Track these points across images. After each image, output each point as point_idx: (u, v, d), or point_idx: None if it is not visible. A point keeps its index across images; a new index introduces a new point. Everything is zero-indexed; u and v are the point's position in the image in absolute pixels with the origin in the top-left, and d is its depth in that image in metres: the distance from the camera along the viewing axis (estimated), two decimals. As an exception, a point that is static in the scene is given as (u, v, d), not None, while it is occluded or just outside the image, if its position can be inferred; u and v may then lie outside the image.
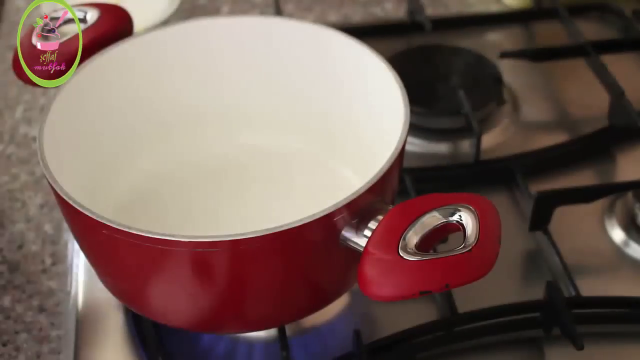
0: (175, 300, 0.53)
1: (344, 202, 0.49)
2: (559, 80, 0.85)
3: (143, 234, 0.48)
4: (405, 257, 0.46)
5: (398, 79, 0.58)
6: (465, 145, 0.77)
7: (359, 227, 0.50)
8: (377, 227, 0.49)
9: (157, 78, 0.65)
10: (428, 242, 0.48)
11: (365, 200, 0.50)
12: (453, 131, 0.78)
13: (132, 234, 0.48)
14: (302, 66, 0.65)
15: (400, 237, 0.47)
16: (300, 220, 0.48)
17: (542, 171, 0.74)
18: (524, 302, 0.62)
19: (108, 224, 0.48)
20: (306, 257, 0.51)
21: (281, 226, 0.47)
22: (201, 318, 0.54)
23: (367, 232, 0.49)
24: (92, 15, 0.62)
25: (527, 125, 0.80)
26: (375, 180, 0.50)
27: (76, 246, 0.66)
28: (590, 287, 0.63)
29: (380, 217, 0.49)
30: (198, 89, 0.67)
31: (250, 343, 0.61)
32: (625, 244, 0.68)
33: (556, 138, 0.77)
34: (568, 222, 0.68)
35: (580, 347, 0.58)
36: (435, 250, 0.62)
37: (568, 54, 0.83)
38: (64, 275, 0.67)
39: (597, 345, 0.60)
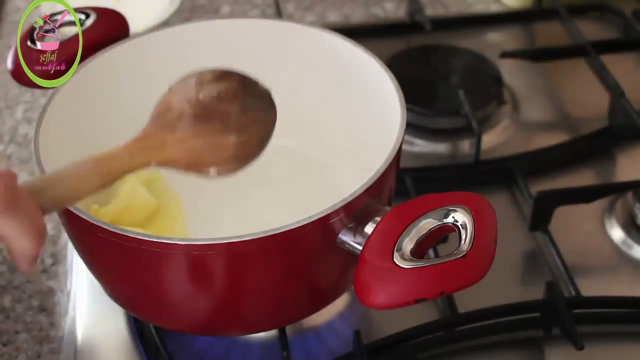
0: (173, 304, 0.53)
1: (341, 204, 0.49)
2: (559, 80, 0.85)
3: (139, 237, 0.47)
4: (399, 265, 0.46)
5: (395, 80, 0.58)
6: (465, 145, 0.77)
7: (356, 230, 0.50)
8: (372, 232, 0.48)
9: (156, 79, 0.65)
10: (425, 245, 0.48)
11: (362, 202, 0.50)
12: (453, 131, 0.77)
13: (128, 237, 0.48)
14: (300, 67, 0.65)
15: (395, 243, 0.47)
16: (297, 222, 0.48)
17: (542, 171, 0.74)
18: (524, 302, 0.62)
19: (104, 227, 0.48)
20: (304, 259, 0.51)
21: (278, 228, 0.47)
22: (198, 321, 0.54)
23: (364, 235, 0.49)
24: (87, 20, 0.61)
25: (527, 125, 0.80)
26: (372, 182, 0.50)
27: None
28: (590, 287, 0.63)
29: (377, 219, 0.49)
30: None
31: (250, 343, 0.61)
32: (625, 244, 0.68)
33: (556, 138, 0.77)
34: (568, 222, 0.68)
35: (580, 347, 0.58)
36: (435, 251, 0.63)
37: (568, 54, 0.83)
38: (64, 275, 0.67)
39: (597, 345, 0.60)
